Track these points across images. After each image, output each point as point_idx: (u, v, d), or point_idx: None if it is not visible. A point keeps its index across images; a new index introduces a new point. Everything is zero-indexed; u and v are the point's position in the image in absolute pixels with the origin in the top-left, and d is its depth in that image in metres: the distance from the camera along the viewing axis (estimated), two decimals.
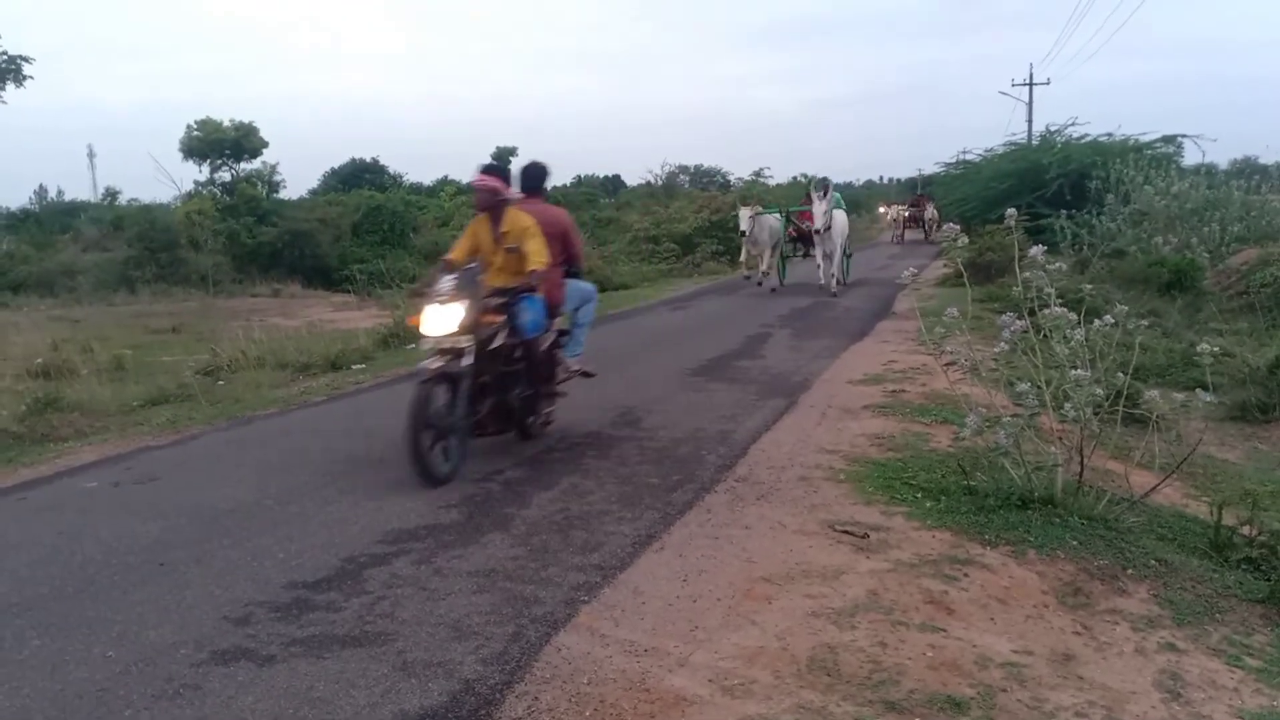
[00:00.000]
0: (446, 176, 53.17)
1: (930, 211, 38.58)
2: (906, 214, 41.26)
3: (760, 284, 18.68)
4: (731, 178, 52.86)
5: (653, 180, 51.37)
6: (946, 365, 5.78)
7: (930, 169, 46.50)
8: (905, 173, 53.52)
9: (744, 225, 17.82)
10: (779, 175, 53.60)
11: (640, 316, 15.87)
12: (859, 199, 58.26)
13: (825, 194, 16.97)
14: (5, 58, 39.66)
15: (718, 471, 6.04)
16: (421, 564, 4.52)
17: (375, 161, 57.72)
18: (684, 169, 55.94)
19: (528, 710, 3.16)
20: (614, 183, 65.57)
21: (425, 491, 5.60)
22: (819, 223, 16.74)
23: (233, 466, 6.57)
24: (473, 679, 3.34)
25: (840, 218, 17.71)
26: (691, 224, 31.24)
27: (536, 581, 4.26)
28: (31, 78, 37.68)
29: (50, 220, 50.25)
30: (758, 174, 46.72)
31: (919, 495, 5.41)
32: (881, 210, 43.09)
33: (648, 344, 12.46)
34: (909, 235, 40.81)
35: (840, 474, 5.90)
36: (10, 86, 39.96)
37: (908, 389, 8.51)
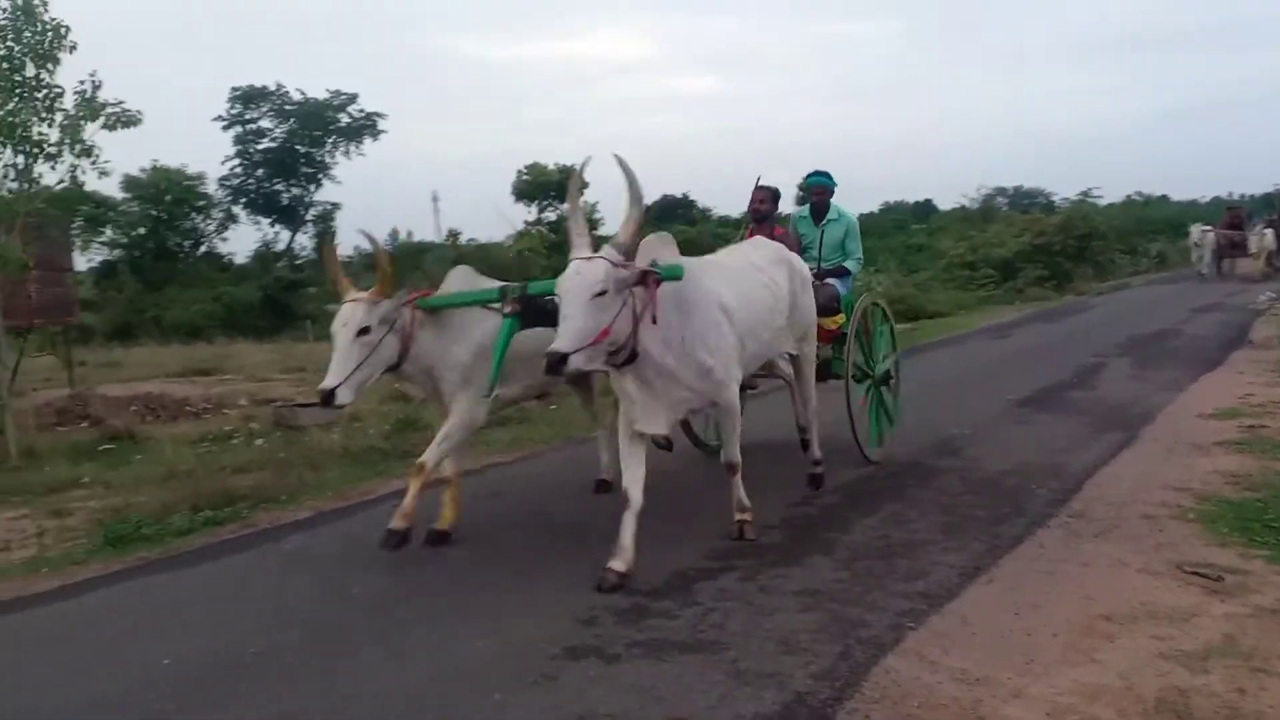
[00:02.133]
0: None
1: (1266, 236, 26.66)
2: (1217, 235, 28.10)
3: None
4: (1055, 198, 49.83)
5: (968, 204, 49.49)
6: None
7: None
8: (1261, 188, 47.50)
9: (337, 328, 5.15)
10: (1110, 194, 49.79)
11: (958, 345, 15.38)
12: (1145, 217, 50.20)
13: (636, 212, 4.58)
14: (363, 115, 44.93)
15: (1049, 506, 5.79)
16: (747, 580, 4.70)
17: (685, 197, 59.70)
18: (1002, 190, 53.41)
19: None
20: (925, 207, 63.67)
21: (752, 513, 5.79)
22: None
23: (569, 483, 7.08)
24: (804, 692, 3.46)
25: (779, 276, 5.90)
26: (1012, 248, 29.82)
27: (861, 605, 4.31)
28: (385, 132, 42.22)
29: (404, 260, 56.03)
30: (1085, 194, 43.79)
31: None
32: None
33: (967, 372, 12.09)
34: (1226, 265, 28.50)
35: (1189, 513, 5.48)
36: (368, 140, 45.22)
37: (1268, 424, 7.72)
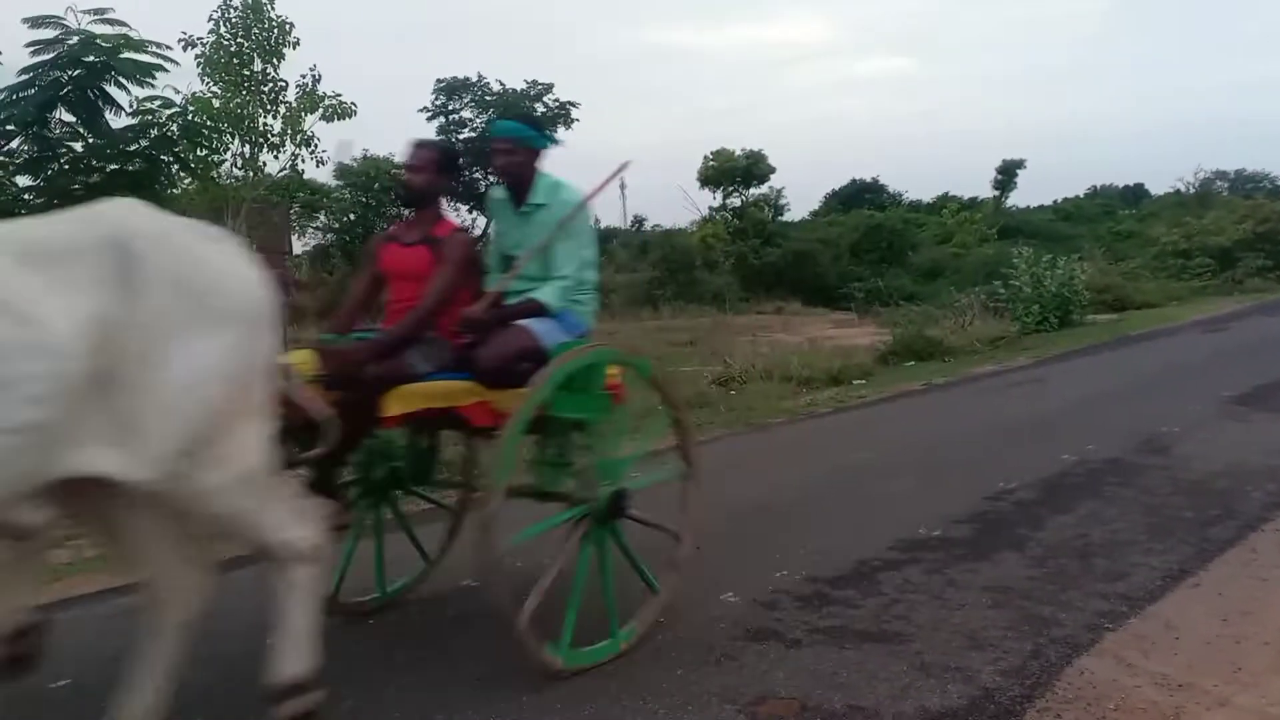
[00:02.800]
0: (947, 193, 52.15)
1: None
2: None
3: None
4: None
5: (1183, 188, 46.31)
6: None
7: None
8: None
9: None
10: None
11: (1168, 337, 14.50)
12: None
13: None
14: (557, 104, 46.15)
15: (1265, 509, 5.43)
16: (933, 573, 4.63)
17: (875, 181, 58.31)
18: (1222, 174, 49.69)
19: None
20: (1135, 192, 59.98)
21: (936, 504, 5.69)
22: None
23: (751, 469, 7.13)
24: (991, 688, 3.39)
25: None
26: (1231, 236, 27.80)
27: (1055, 604, 4.17)
28: (578, 120, 43.18)
29: None
30: None
31: None
32: None
33: (1177, 367, 11.42)
34: None
35: None
36: (560, 129, 46.37)
37: None
